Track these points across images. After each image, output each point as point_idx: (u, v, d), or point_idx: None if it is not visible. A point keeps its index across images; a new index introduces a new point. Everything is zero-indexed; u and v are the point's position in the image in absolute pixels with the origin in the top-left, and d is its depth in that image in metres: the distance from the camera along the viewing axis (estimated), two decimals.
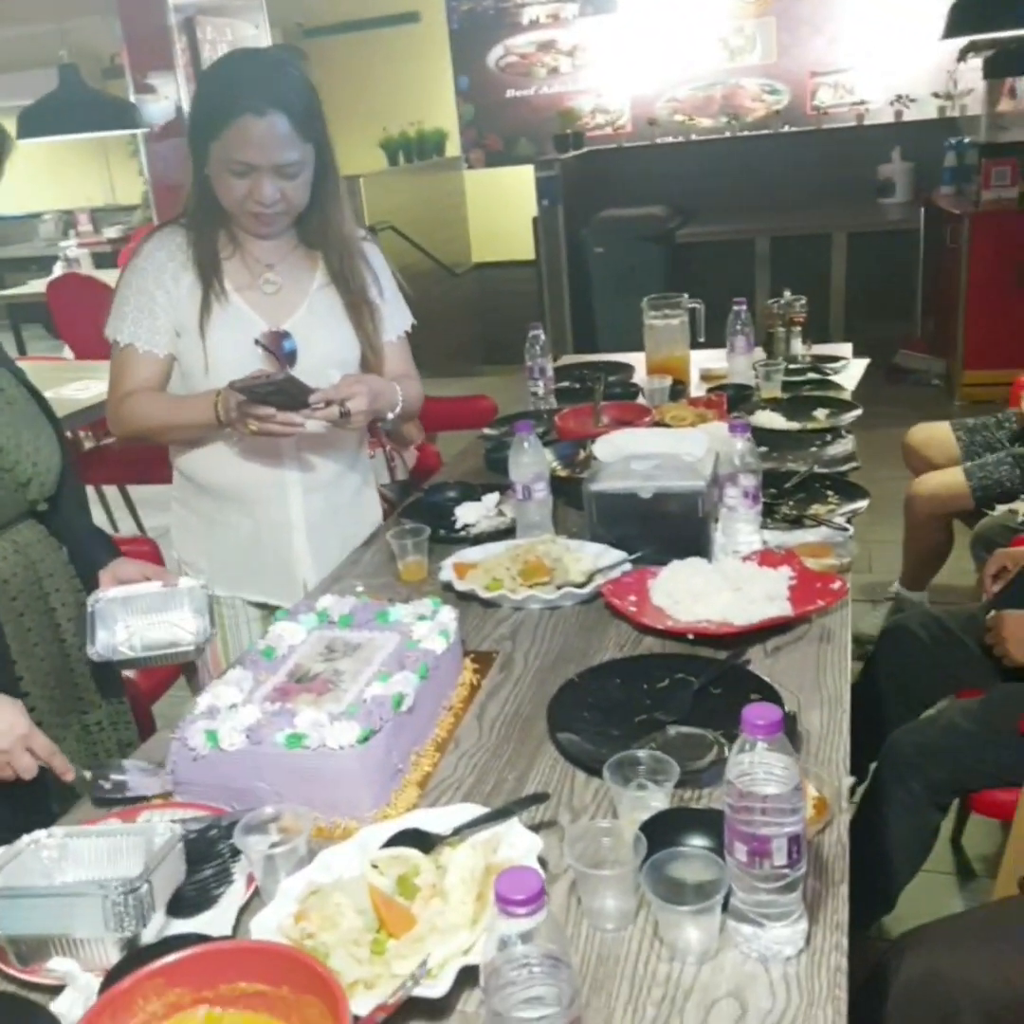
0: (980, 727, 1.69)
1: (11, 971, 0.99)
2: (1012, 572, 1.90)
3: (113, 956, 0.98)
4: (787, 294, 2.87)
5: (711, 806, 1.11)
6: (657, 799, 1.09)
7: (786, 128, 6.97)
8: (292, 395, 1.58)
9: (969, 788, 1.72)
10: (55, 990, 0.96)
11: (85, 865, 1.07)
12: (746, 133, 7.08)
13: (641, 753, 1.12)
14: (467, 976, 0.92)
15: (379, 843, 1.08)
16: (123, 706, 1.57)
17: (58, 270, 7.06)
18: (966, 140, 5.71)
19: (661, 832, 1.01)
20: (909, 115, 6.38)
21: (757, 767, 0.89)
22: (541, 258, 6.14)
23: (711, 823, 1.02)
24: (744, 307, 2.66)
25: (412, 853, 1.05)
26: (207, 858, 1.10)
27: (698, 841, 1.02)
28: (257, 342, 1.68)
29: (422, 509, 2.01)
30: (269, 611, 1.88)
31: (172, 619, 1.45)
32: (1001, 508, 2.49)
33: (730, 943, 0.96)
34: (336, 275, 1.79)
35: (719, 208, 6.64)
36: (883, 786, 1.73)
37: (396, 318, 1.91)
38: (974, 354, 5.14)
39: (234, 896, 1.08)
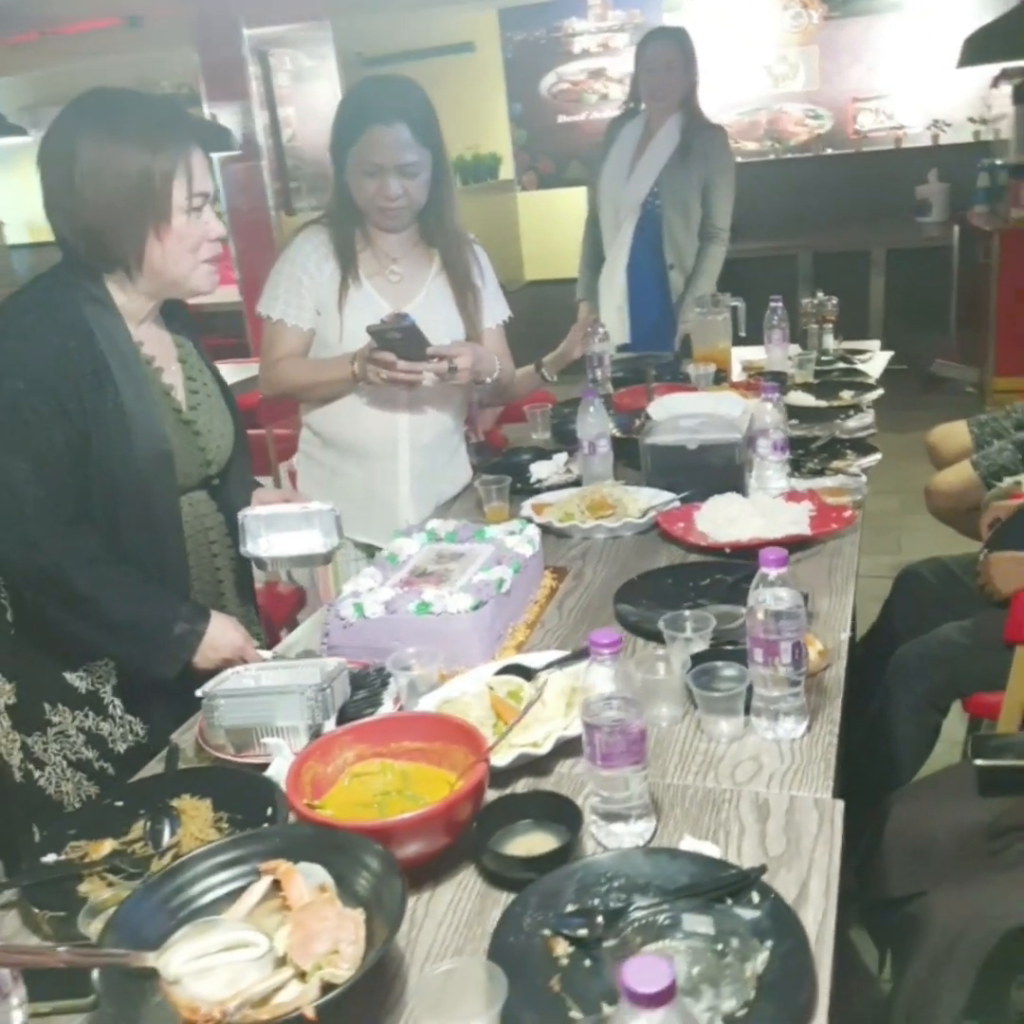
0: (972, 640, 2.01)
1: (228, 758, 1.37)
2: (1003, 521, 2.23)
3: (303, 742, 1.35)
4: (820, 295, 3.22)
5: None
6: (698, 645, 1.45)
7: (828, 151, 7.30)
8: (413, 345, 1.96)
9: (963, 692, 2.04)
10: (261, 769, 1.33)
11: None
12: (790, 156, 7.43)
13: (687, 612, 1.48)
14: (562, 749, 1.28)
15: (492, 673, 1.45)
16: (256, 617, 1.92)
17: None
18: (998, 162, 6.00)
19: (703, 662, 1.37)
20: (945, 139, 6.67)
21: (767, 591, 1.24)
22: None
23: (739, 657, 1.37)
24: (780, 304, 3.02)
25: (518, 678, 1.42)
26: (362, 687, 1.47)
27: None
28: (383, 321, 2.07)
29: (501, 467, 2.39)
30: (374, 551, 2.26)
31: (305, 534, 1.80)
32: (1007, 480, 2.79)
33: (752, 732, 1.31)
34: (448, 265, 2.18)
35: (763, 226, 6.97)
36: (891, 691, 2.06)
37: (495, 309, 2.31)
38: (1005, 362, 5.43)
39: (383, 713, 1.45)
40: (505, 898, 1.08)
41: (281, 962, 0.92)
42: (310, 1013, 0.84)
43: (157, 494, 1.60)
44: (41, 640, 1.59)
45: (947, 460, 3.31)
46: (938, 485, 3.16)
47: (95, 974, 0.90)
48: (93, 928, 1.03)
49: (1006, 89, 5.77)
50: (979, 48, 2.93)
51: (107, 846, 1.22)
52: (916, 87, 6.87)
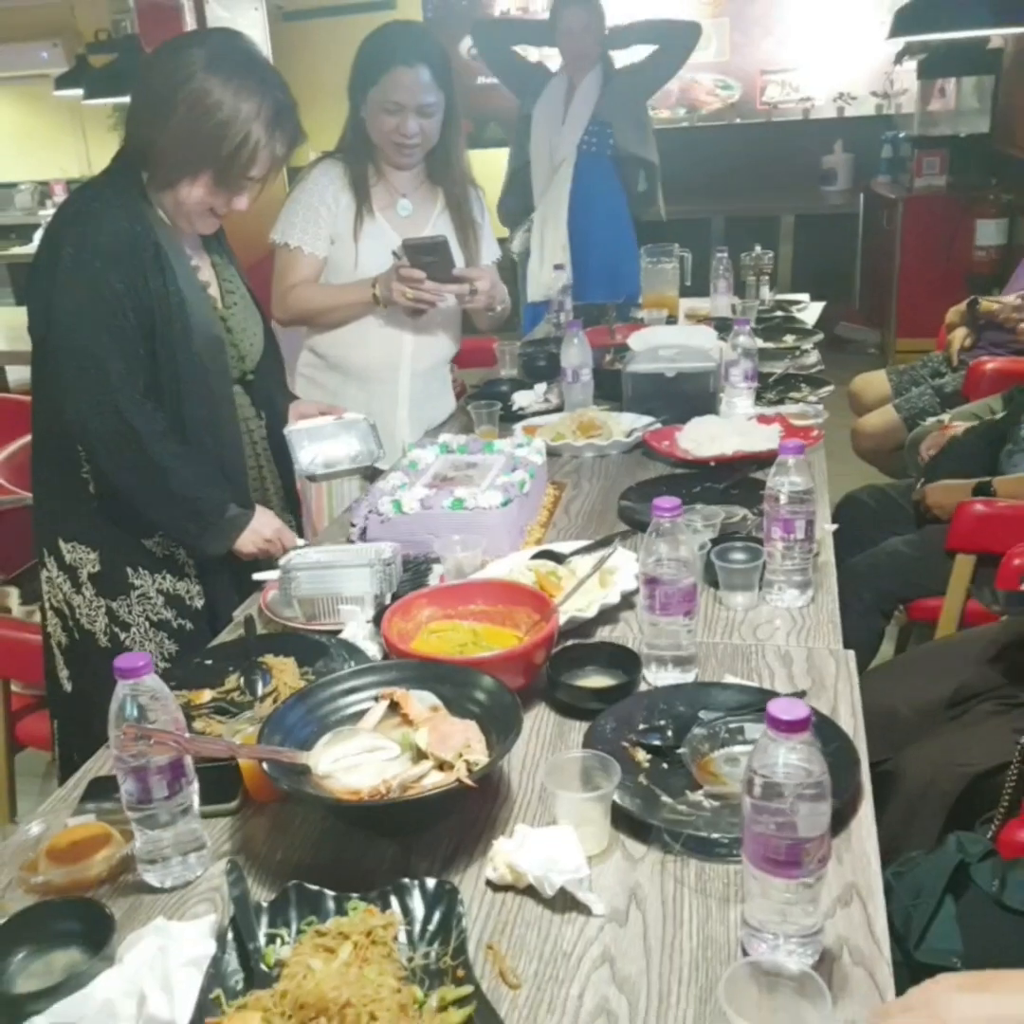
0: (917, 550, 2.27)
1: (298, 626, 1.51)
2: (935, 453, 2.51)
3: (369, 612, 1.49)
4: (758, 248, 3.46)
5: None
6: (708, 534, 1.64)
7: (738, 120, 7.57)
8: (441, 264, 2.10)
9: (907, 597, 2.30)
10: (331, 635, 1.47)
11: None
12: (702, 124, 7.69)
13: (698, 506, 1.67)
14: (601, 617, 1.46)
15: (527, 558, 1.62)
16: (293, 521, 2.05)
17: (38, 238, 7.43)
18: (901, 134, 6.37)
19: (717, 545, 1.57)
20: (850, 111, 7.01)
21: (786, 480, 1.44)
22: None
23: (748, 541, 1.57)
24: (725, 255, 3.24)
25: (551, 562, 1.59)
26: (406, 571, 1.62)
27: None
28: (394, 253, 2.20)
29: (484, 396, 2.54)
30: (369, 472, 2.39)
31: (344, 442, 1.94)
32: (930, 420, 3.09)
33: (764, 603, 1.52)
34: (452, 203, 2.32)
35: (678, 190, 7.14)
36: (841, 599, 2.30)
37: (490, 247, 2.46)
38: (906, 324, 5.80)
39: None
40: (579, 726, 1.26)
41: (419, 757, 1.08)
42: (469, 781, 1.01)
43: (214, 376, 1.72)
44: (121, 509, 1.69)
45: (868, 406, 3.62)
46: (864, 427, 3.45)
47: (265, 765, 1.05)
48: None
49: (909, 65, 6.12)
50: (909, 20, 3.19)
51: (206, 695, 1.36)
52: (822, 61, 7.18)
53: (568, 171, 3.70)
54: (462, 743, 1.07)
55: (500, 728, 1.11)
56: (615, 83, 3.75)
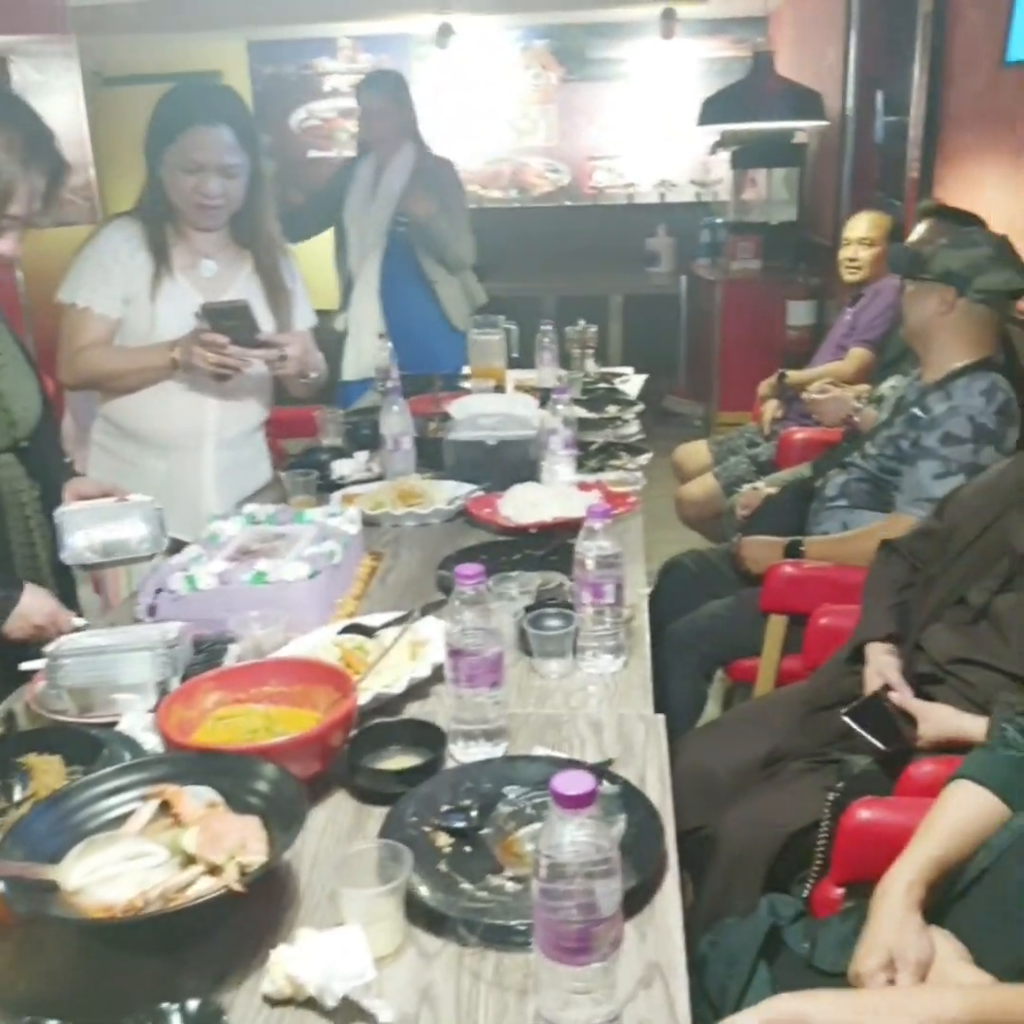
0: (734, 613, 2.29)
1: (70, 719, 1.37)
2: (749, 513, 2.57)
3: (152, 700, 1.37)
4: (582, 322, 3.52)
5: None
6: (524, 602, 1.60)
7: (567, 203, 7.84)
8: (244, 329, 2.00)
9: (726, 660, 2.32)
10: (109, 727, 1.33)
11: None
12: (533, 205, 7.91)
13: (513, 574, 1.63)
14: (411, 692, 1.39)
15: (333, 634, 1.53)
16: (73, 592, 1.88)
17: None
18: (718, 220, 6.70)
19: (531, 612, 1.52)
20: (671, 197, 7.36)
21: (594, 545, 1.41)
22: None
23: (563, 607, 1.53)
24: (550, 328, 3.27)
25: (359, 636, 1.51)
26: (200, 652, 1.50)
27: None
28: (197, 315, 2.09)
29: (302, 465, 2.45)
30: (173, 545, 2.25)
31: (126, 526, 1.78)
32: (745, 487, 3.18)
33: (577, 670, 1.47)
34: (261, 267, 2.23)
35: (510, 269, 7.37)
36: (665, 663, 2.29)
37: (304, 313, 2.37)
38: (727, 398, 6.03)
39: None
40: (379, 812, 1.16)
41: (189, 862, 0.97)
42: (238, 887, 0.90)
43: None
44: None
45: (690, 474, 3.71)
46: (686, 495, 3.52)
47: (1, 885, 0.91)
48: None
49: (723, 156, 6.47)
50: (714, 110, 3.36)
51: None
52: (644, 150, 7.53)
53: (378, 255, 3.62)
54: (236, 843, 0.96)
55: (284, 823, 1.01)
56: (428, 169, 3.64)
